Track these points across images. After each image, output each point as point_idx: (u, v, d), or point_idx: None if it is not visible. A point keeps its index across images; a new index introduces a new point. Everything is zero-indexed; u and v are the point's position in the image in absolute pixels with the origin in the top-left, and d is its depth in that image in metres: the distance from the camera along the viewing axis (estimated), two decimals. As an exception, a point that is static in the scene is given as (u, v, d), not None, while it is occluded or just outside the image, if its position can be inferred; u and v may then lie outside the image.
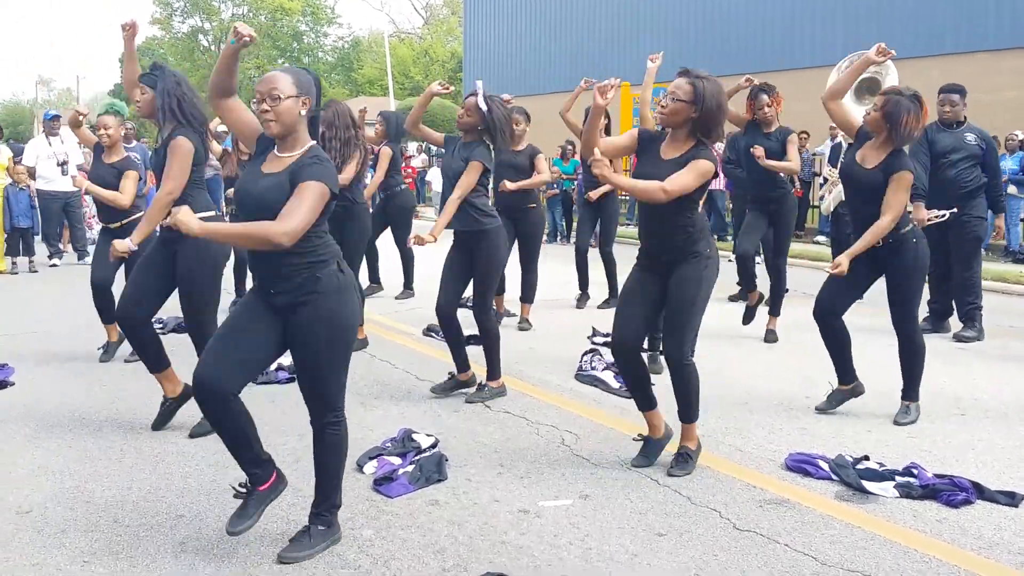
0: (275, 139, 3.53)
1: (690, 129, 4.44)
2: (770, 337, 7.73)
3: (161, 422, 5.22)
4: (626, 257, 6.08)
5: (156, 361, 5.27)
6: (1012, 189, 12.82)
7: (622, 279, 5.02)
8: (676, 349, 4.51)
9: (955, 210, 7.55)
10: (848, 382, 5.60)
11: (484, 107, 5.70)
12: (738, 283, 9.89)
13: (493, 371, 5.91)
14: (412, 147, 32.70)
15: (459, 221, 5.74)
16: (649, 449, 4.71)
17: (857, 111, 9.01)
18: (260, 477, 3.67)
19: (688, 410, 4.61)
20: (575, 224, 13.34)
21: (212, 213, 5.15)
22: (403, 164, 12.41)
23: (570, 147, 18.77)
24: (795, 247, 13.56)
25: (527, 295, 8.35)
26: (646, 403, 4.72)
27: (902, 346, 5.44)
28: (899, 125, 5.10)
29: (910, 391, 5.47)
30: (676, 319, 4.49)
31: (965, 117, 7.88)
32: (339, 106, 6.68)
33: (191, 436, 5.04)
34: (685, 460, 4.57)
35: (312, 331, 3.51)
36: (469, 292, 5.95)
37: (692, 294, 4.46)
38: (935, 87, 8.18)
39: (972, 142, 7.77)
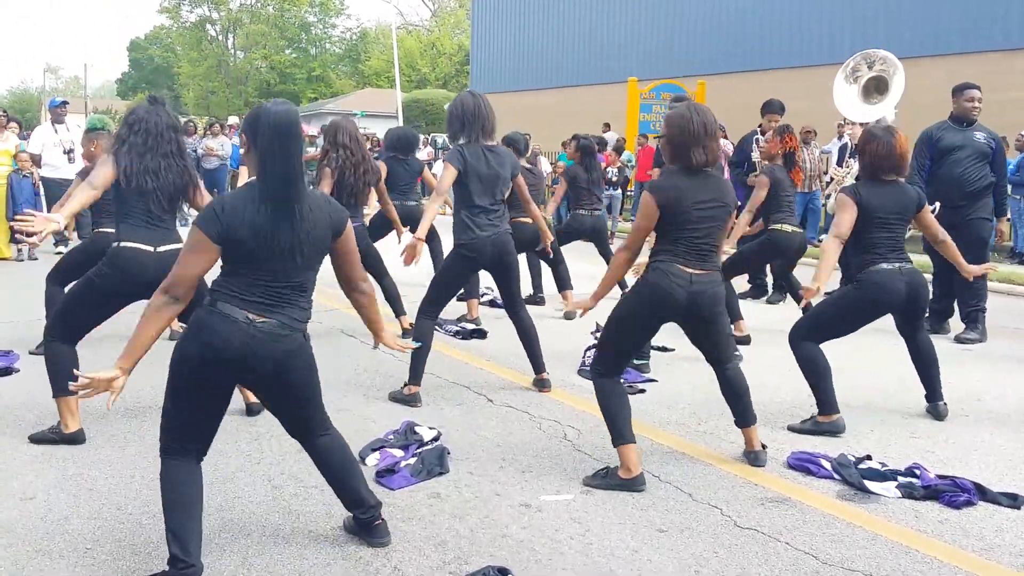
0: None
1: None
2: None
3: (40, 440, 4.80)
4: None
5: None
6: (1007, 189, 12.82)
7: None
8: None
9: (937, 204, 7.43)
10: None
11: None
12: (748, 281, 9.89)
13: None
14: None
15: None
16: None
17: (866, 110, 9.01)
18: None
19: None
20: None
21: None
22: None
23: (572, 142, 18.77)
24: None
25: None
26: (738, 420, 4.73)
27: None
28: (863, 154, 5.24)
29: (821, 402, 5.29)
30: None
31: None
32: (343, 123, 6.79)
33: (31, 440, 4.79)
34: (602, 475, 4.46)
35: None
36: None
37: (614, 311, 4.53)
38: (942, 87, 8.16)
39: (982, 140, 7.69)
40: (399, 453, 4.60)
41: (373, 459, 4.56)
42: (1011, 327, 8.39)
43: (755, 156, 8.63)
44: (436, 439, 4.83)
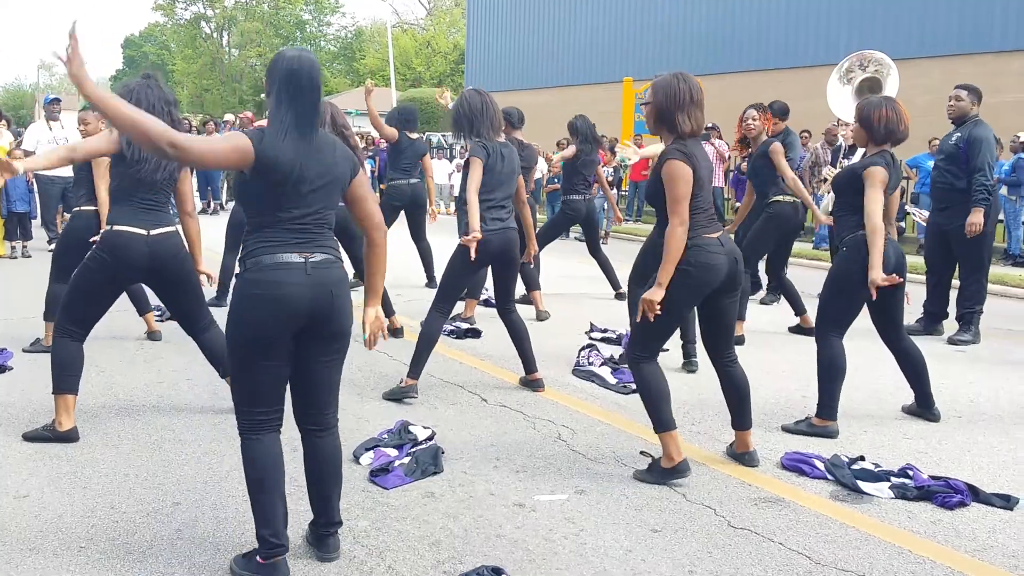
0: None
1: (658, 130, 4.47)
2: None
3: (34, 438, 4.81)
4: (628, 251, 6.09)
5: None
6: (1003, 190, 12.79)
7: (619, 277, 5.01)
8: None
9: (925, 212, 7.43)
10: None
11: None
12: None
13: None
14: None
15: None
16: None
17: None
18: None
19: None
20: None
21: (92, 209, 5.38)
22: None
23: (566, 142, 18.78)
24: (794, 246, 13.57)
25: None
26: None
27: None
28: (871, 122, 5.09)
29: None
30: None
31: (975, 116, 7.64)
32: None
33: (25, 439, 4.79)
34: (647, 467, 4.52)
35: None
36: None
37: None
38: (939, 88, 8.17)
39: (951, 142, 7.64)
40: (393, 452, 4.60)
41: (367, 458, 4.56)
42: (1004, 329, 8.41)
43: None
44: (430, 438, 4.83)
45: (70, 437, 4.77)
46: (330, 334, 3.37)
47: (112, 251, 4.71)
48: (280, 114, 3.23)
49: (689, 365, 6.48)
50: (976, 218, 7.38)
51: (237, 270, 3.38)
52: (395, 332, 7.32)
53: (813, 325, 7.52)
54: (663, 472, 4.37)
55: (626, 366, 6.48)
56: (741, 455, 4.69)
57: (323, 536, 3.55)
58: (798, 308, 7.96)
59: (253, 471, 3.33)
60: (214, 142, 3.17)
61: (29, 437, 4.79)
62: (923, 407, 5.50)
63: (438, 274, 7.16)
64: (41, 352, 6.61)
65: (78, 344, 4.80)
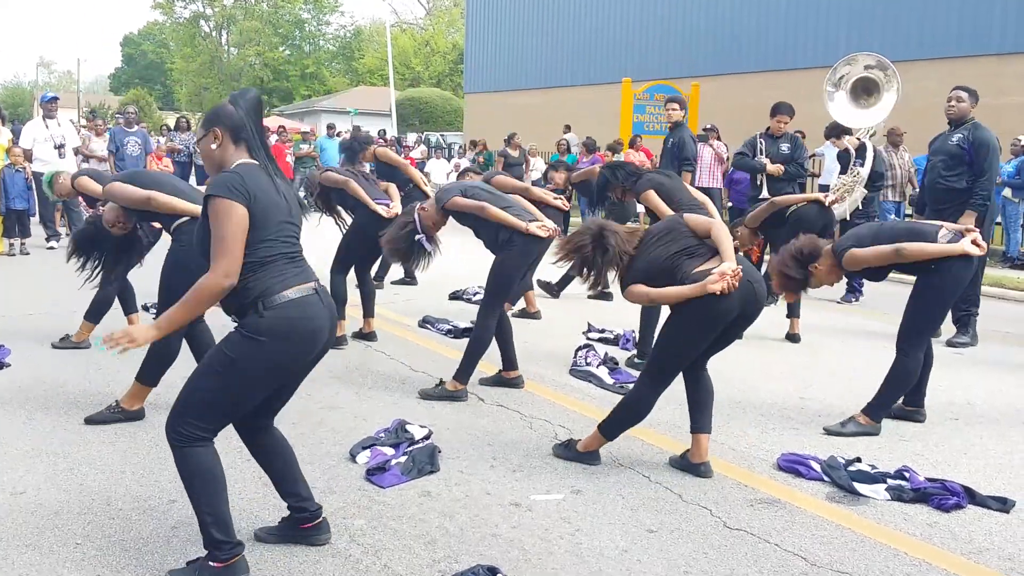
0: None
1: None
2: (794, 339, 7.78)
3: (98, 420, 5.06)
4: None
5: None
6: (1007, 192, 12.75)
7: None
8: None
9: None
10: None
11: None
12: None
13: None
14: (411, 138, 32.72)
15: None
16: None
17: (854, 113, 9.01)
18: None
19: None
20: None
21: None
22: (402, 155, 12.31)
23: (564, 143, 18.86)
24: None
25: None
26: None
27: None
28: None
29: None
30: None
31: (972, 118, 7.61)
32: None
33: (87, 422, 5.03)
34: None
35: None
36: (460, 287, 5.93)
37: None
38: (938, 90, 8.14)
39: (953, 142, 7.55)
40: (390, 451, 4.60)
41: (364, 457, 4.56)
42: (1001, 331, 8.42)
43: (762, 159, 8.54)
44: (427, 437, 4.83)
45: (137, 416, 5.10)
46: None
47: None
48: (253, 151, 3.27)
49: None
50: (967, 221, 7.18)
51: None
52: (368, 336, 7.25)
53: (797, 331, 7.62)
54: (579, 454, 4.59)
55: (624, 367, 6.50)
56: (697, 466, 4.53)
57: (316, 518, 3.60)
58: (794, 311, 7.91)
59: (213, 477, 3.29)
60: (231, 235, 3.09)
61: (94, 420, 5.02)
62: (913, 405, 5.51)
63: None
64: (71, 348, 6.67)
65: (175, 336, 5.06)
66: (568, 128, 21.77)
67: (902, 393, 5.24)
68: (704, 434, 4.54)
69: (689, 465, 4.54)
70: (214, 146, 3.25)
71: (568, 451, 4.68)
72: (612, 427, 4.54)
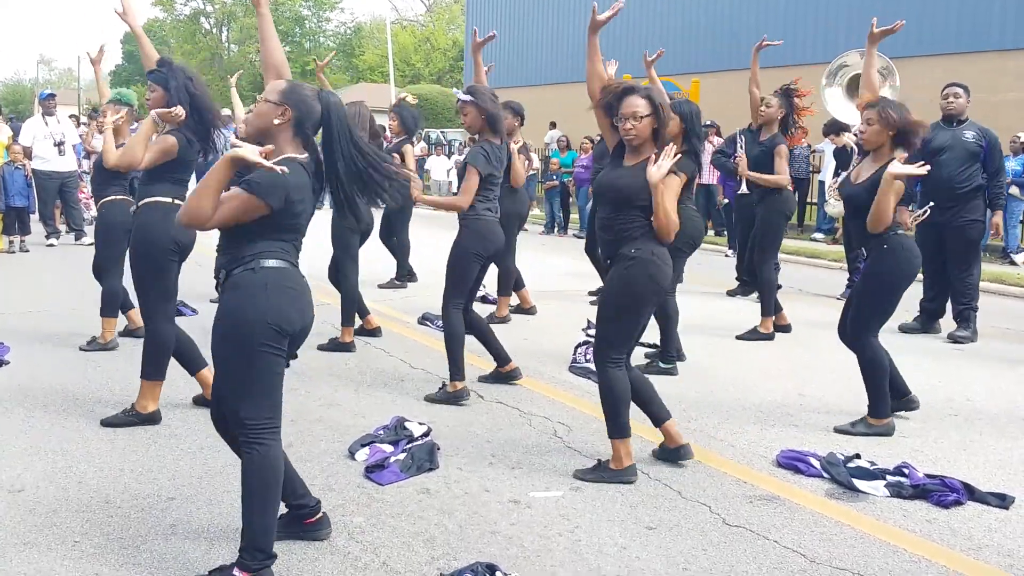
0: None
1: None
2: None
3: (114, 423, 4.99)
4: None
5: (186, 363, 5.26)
6: (1015, 191, 12.75)
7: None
8: None
9: (931, 204, 7.31)
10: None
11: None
12: (737, 279, 9.90)
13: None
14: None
15: None
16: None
17: (850, 109, 8.99)
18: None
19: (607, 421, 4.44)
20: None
21: (169, 200, 5.00)
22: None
23: (564, 140, 18.83)
24: (792, 244, 13.59)
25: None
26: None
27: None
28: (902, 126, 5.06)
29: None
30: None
31: (967, 116, 7.72)
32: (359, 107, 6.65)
33: (103, 424, 4.97)
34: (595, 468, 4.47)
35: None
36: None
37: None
38: (937, 87, 8.12)
39: (970, 139, 7.60)
40: (389, 448, 4.60)
41: (363, 454, 4.56)
42: (1002, 327, 8.40)
43: (739, 152, 8.51)
44: (426, 435, 4.82)
45: (154, 418, 5.02)
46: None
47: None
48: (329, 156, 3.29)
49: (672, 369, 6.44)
50: (999, 219, 7.44)
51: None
52: (372, 332, 7.26)
53: (786, 323, 7.63)
54: (613, 472, 4.36)
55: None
56: (676, 450, 4.55)
57: (316, 512, 3.59)
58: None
59: (274, 479, 3.23)
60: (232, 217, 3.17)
61: (109, 423, 4.94)
62: (896, 397, 5.47)
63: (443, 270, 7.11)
64: (99, 350, 6.62)
65: (170, 325, 5.06)
66: (553, 125, 21.73)
67: (883, 379, 5.16)
68: (667, 420, 4.57)
69: (669, 452, 4.58)
70: (277, 121, 3.23)
71: (602, 473, 4.40)
72: (613, 423, 4.50)
